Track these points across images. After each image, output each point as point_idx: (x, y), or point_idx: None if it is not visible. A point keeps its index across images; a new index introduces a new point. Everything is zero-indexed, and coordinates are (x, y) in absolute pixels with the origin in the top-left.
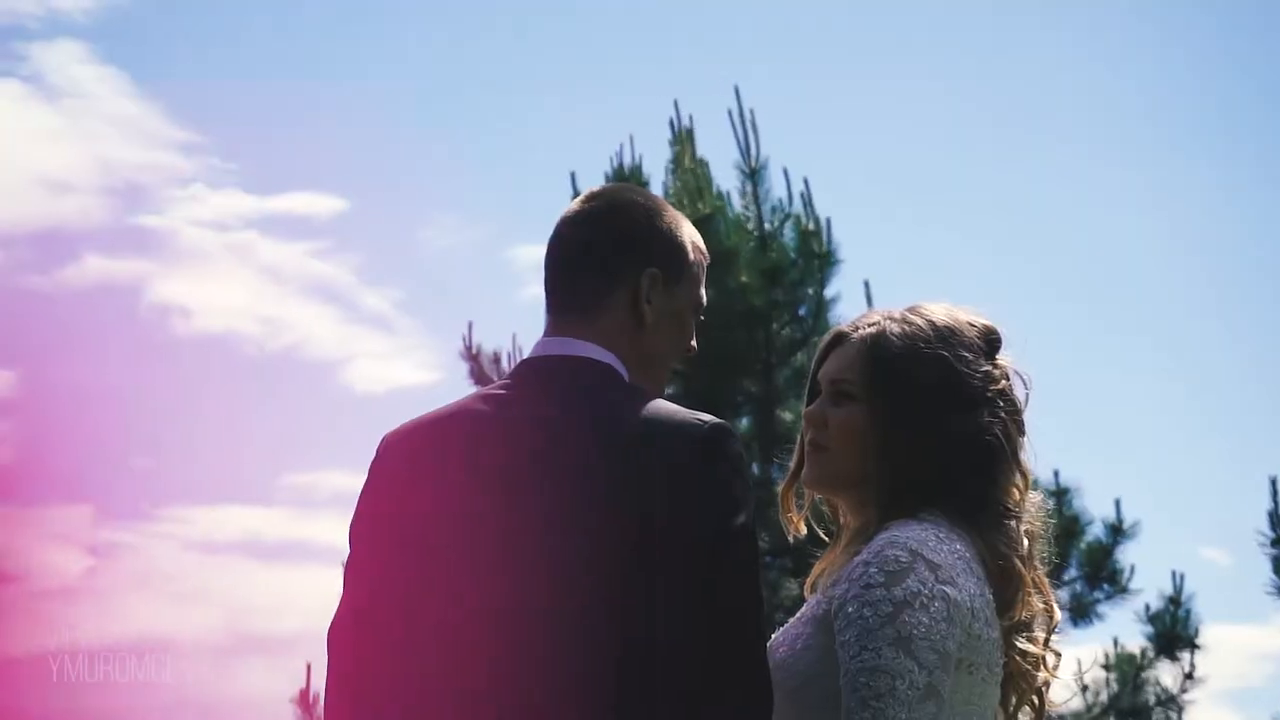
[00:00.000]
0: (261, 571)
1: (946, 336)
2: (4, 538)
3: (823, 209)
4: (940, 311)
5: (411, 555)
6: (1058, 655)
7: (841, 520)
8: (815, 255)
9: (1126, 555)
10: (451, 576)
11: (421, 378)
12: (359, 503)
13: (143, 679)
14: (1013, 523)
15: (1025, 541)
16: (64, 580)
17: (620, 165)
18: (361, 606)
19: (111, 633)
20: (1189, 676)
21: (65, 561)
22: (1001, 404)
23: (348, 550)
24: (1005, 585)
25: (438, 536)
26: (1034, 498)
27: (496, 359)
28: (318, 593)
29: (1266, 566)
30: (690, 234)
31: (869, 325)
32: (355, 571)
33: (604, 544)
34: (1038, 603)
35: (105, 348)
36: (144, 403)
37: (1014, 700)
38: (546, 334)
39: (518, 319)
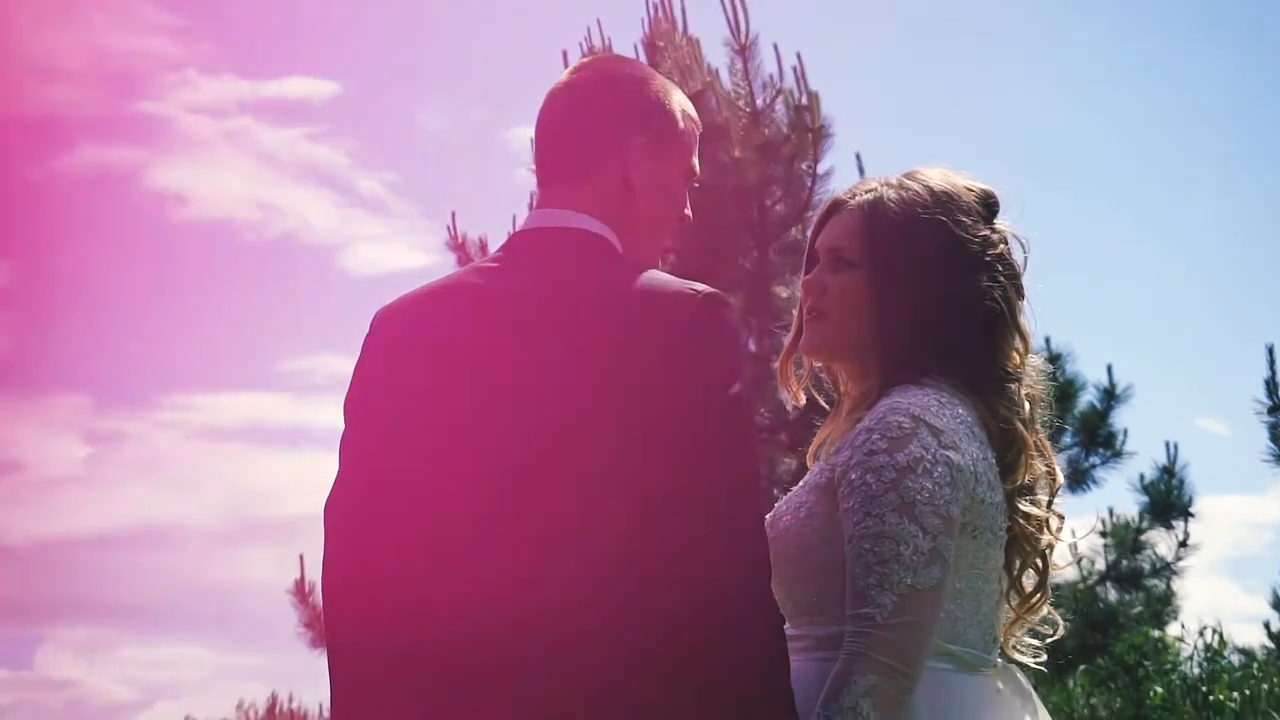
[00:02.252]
0: (263, 457)
1: (944, 201)
2: (4, 427)
3: (814, 84)
4: (937, 177)
5: (407, 429)
6: (1060, 518)
7: (842, 388)
8: (808, 130)
9: (1120, 419)
10: (447, 450)
11: (419, 260)
12: (353, 378)
13: (145, 565)
14: (1014, 386)
15: (1026, 405)
16: (65, 469)
17: (594, 46)
18: (357, 482)
19: (113, 520)
20: (1184, 544)
21: (66, 450)
22: (1000, 268)
23: (343, 427)
24: (1007, 449)
25: (432, 409)
26: (1034, 361)
27: (484, 246)
28: (319, 477)
29: (1264, 435)
30: (680, 101)
31: (866, 192)
32: (351, 447)
33: (597, 414)
34: (1040, 466)
35: (103, 237)
36: (142, 291)
37: (1018, 563)
38: (538, 206)
39: (514, 201)
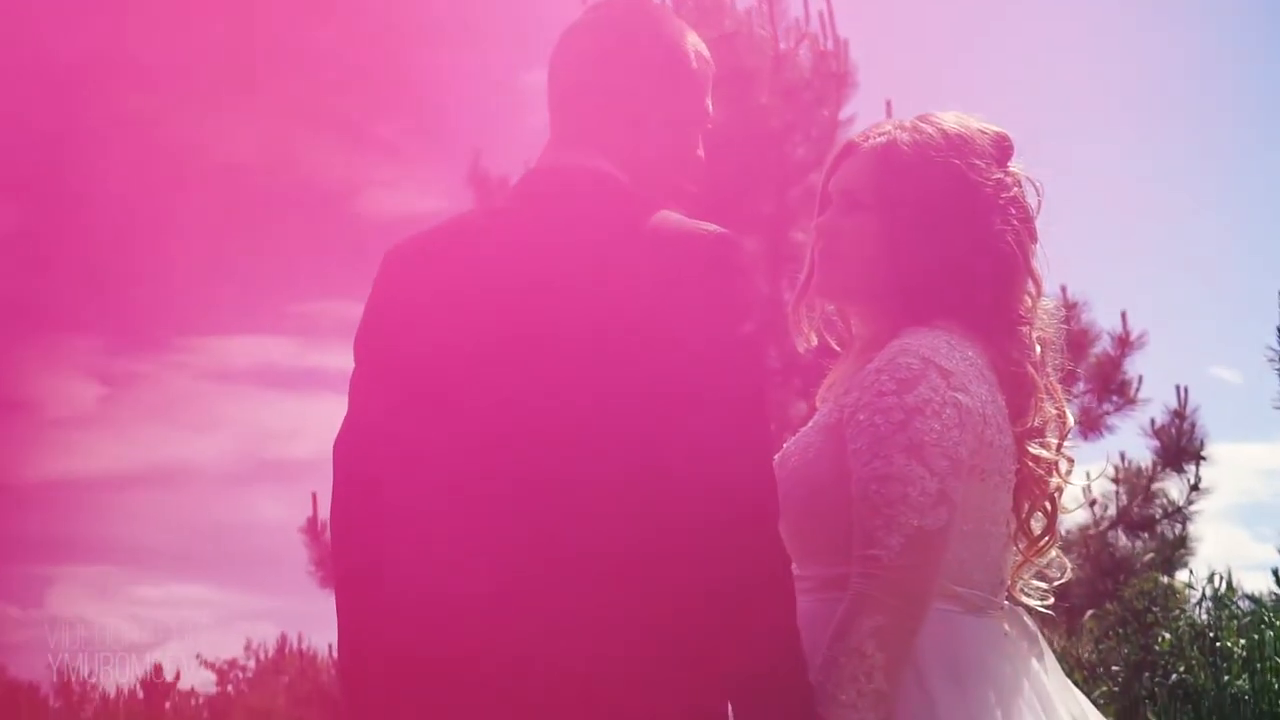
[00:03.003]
0: (274, 399)
1: (958, 144)
2: (16, 367)
3: (844, 31)
4: (951, 120)
5: (417, 368)
6: (1070, 461)
7: (853, 331)
8: (831, 75)
9: (1134, 367)
10: (456, 388)
11: (430, 205)
12: (363, 317)
13: (157, 505)
14: (1024, 329)
15: (1037, 348)
16: (78, 409)
17: None
18: (367, 420)
19: (126, 460)
20: (1195, 489)
21: (78, 391)
22: (1013, 211)
23: (353, 366)
24: (1017, 392)
25: (442, 348)
26: (1045, 305)
27: (504, 185)
28: (330, 419)
29: (1275, 382)
30: (694, 44)
31: (879, 135)
32: (360, 386)
33: (607, 353)
34: (1050, 409)
35: (116, 179)
36: (155, 234)
37: (1026, 506)
38: (550, 146)
39: (528, 145)
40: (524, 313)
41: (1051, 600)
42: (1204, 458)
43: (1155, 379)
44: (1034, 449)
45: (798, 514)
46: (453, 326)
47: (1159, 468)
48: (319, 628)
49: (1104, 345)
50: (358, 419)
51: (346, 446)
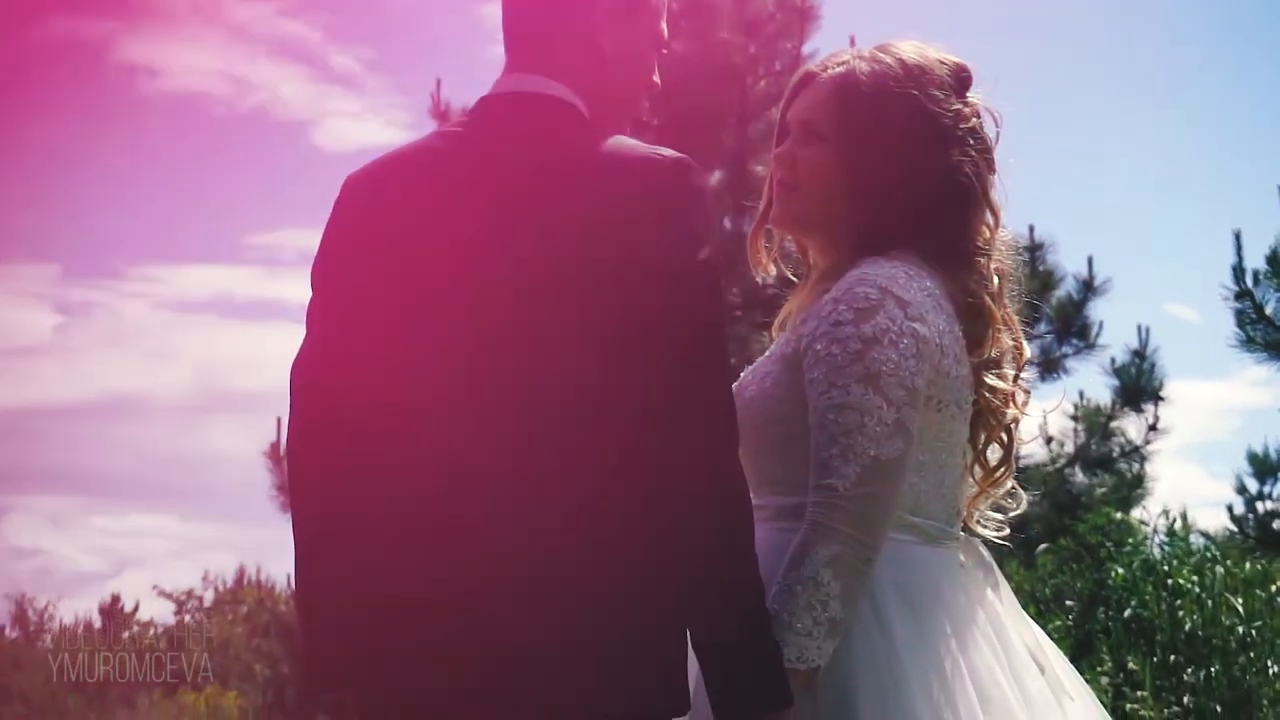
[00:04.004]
0: (232, 330)
1: (916, 75)
2: None
3: None
4: (910, 50)
5: (374, 293)
6: (1027, 393)
7: (811, 261)
8: (795, 10)
9: (1096, 311)
10: (414, 312)
11: (392, 136)
12: (321, 243)
13: (114, 435)
14: (982, 260)
15: (995, 280)
16: (34, 338)
17: None
18: (324, 345)
19: (83, 390)
20: (1153, 428)
21: (34, 320)
22: (972, 142)
23: (310, 294)
24: (974, 322)
25: (399, 274)
26: (1003, 236)
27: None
28: (288, 351)
29: (1231, 321)
30: None
31: (838, 65)
32: (318, 312)
33: (564, 278)
34: (1007, 340)
35: (72, 108)
36: (112, 163)
37: (983, 437)
38: (505, 72)
39: (489, 76)
40: (480, 239)
41: (1007, 532)
42: (1162, 398)
43: (1113, 315)
44: (991, 380)
45: (755, 443)
46: (409, 252)
47: (1118, 406)
48: (277, 558)
49: (1068, 288)
50: (315, 343)
51: (303, 371)
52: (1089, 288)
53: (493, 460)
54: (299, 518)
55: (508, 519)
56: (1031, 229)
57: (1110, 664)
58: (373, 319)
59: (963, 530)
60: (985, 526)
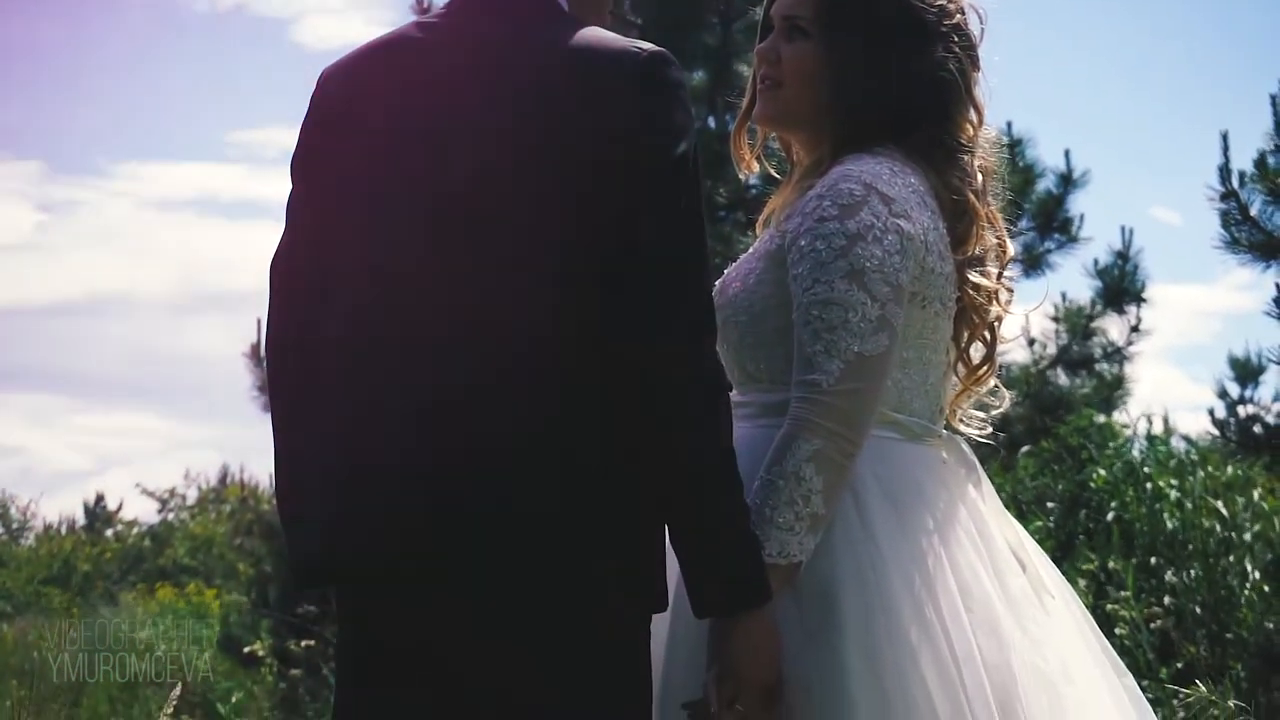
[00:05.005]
0: (214, 228)
1: None
2: None
3: None
4: None
5: (352, 184)
6: (1010, 291)
7: (794, 158)
8: None
9: (1077, 205)
10: (392, 202)
11: (374, 34)
12: (299, 137)
13: (98, 333)
14: (966, 158)
15: (979, 176)
16: (16, 236)
17: None
18: (303, 237)
19: (65, 288)
20: (1135, 330)
21: (17, 217)
22: (956, 38)
23: (290, 188)
24: (958, 220)
25: (377, 163)
26: (987, 133)
27: None
28: (270, 250)
29: (1216, 223)
30: None
31: None
32: (297, 205)
33: (541, 170)
34: (990, 237)
35: (55, 5)
36: (93, 58)
37: (966, 335)
38: None
39: None
40: (456, 128)
41: (990, 430)
42: (1145, 299)
43: (1096, 220)
44: (974, 277)
45: (737, 340)
46: (387, 143)
47: (1099, 308)
48: (260, 457)
49: (1047, 183)
50: (295, 237)
51: (283, 263)
52: (1068, 181)
53: (466, 344)
54: (277, 408)
55: (484, 399)
56: (1010, 125)
57: (1091, 565)
58: (349, 211)
59: (946, 428)
60: (968, 425)
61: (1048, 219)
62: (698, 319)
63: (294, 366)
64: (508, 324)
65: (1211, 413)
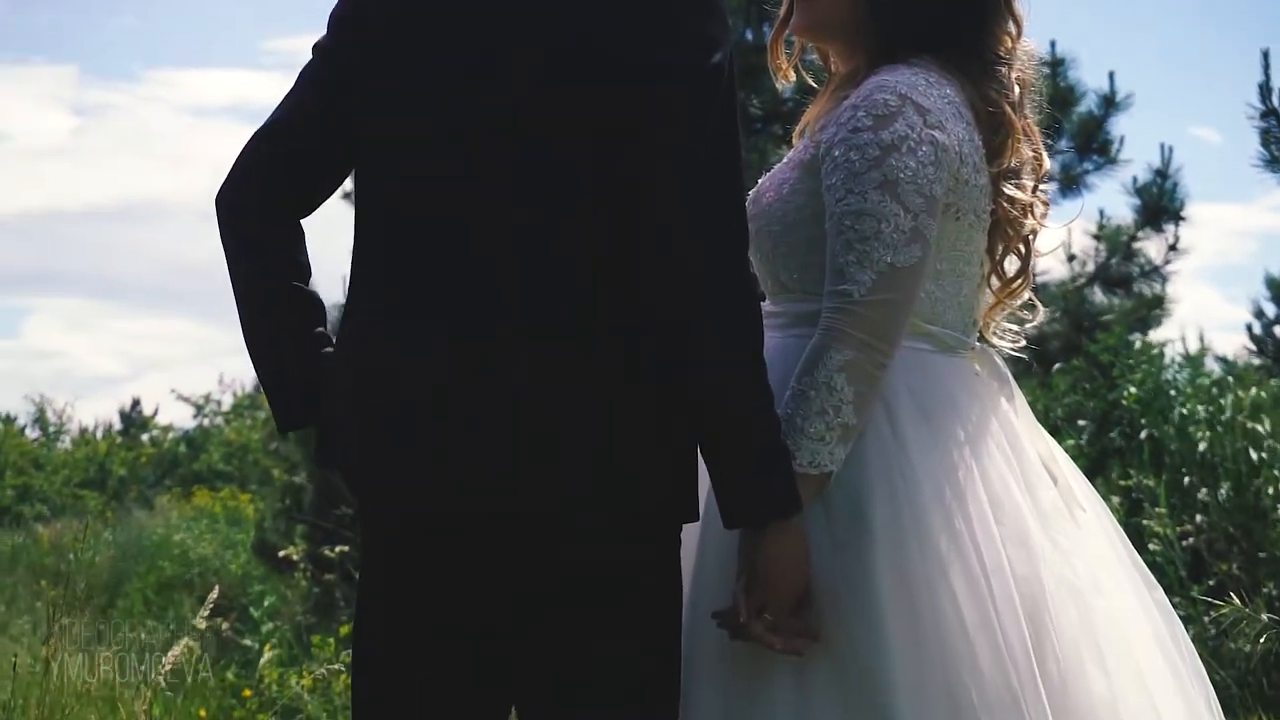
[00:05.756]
0: (249, 135)
1: None
2: None
3: None
4: None
5: (387, 77)
6: (1046, 204)
7: (831, 68)
8: None
9: (1118, 128)
10: (423, 101)
11: None
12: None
13: (134, 239)
14: (1003, 69)
15: (1016, 89)
16: (51, 140)
17: None
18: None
19: (101, 194)
20: (1173, 249)
21: (52, 121)
22: None
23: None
24: (994, 132)
25: (412, 58)
26: (1025, 45)
27: None
28: None
29: (1255, 142)
30: None
31: None
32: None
33: (575, 81)
34: (1026, 150)
35: None
36: None
37: (1001, 248)
38: None
39: None
40: (489, 26)
41: (1023, 343)
42: (1184, 218)
43: (1135, 137)
44: (1010, 190)
45: (770, 249)
46: (418, 37)
47: (1139, 226)
48: None
49: (1089, 104)
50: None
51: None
52: (1110, 104)
53: (492, 253)
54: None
55: (507, 317)
56: (1053, 44)
57: (1128, 482)
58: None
59: (979, 341)
60: (1001, 338)
61: (1087, 140)
62: (732, 230)
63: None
64: (541, 236)
65: (1250, 329)
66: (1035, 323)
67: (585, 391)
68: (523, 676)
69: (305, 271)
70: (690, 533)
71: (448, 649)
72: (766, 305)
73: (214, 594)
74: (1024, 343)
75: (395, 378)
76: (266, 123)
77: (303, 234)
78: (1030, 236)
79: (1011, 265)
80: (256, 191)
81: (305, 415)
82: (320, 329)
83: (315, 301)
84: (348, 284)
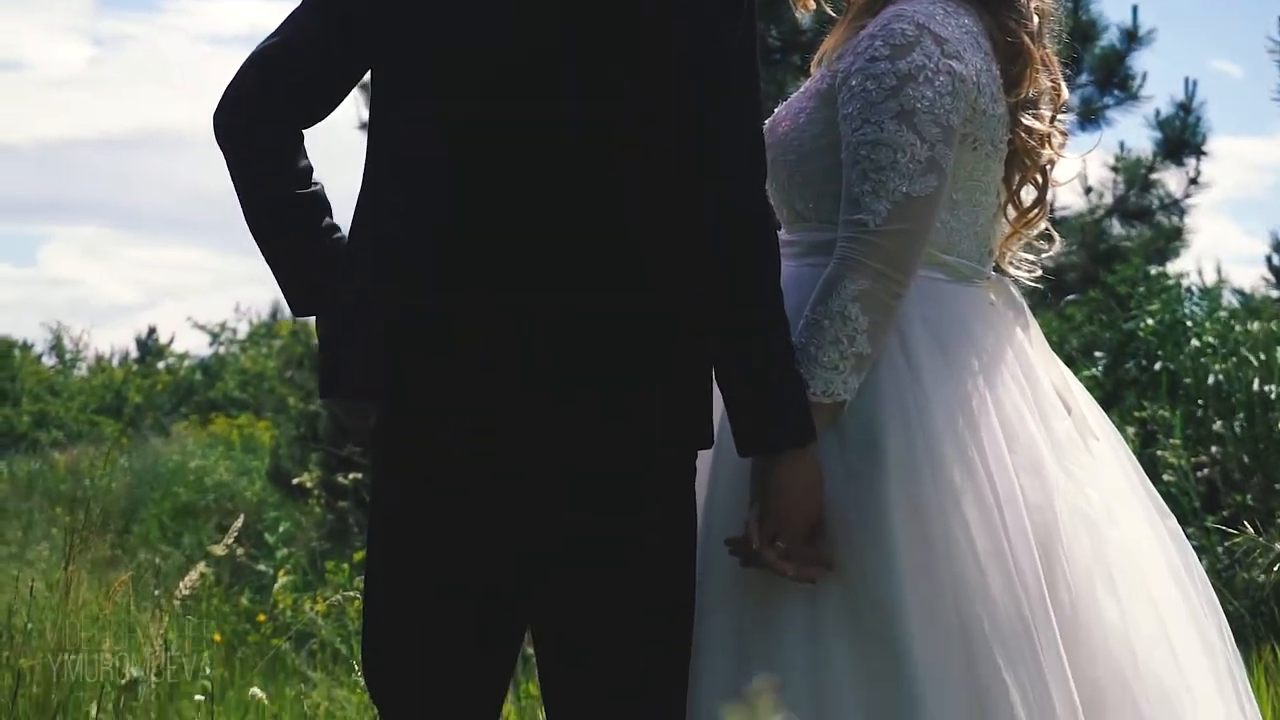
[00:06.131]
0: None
1: None
2: (6, 25)
3: None
4: None
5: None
6: (1063, 134)
7: None
8: None
9: (1139, 63)
10: (451, 35)
11: None
12: None
13: (150, 168)
14: None
15: (1034, 19)
16: (68, 70)
17: None
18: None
19: (118, 123)
20: (1194, 182)
21: (69, 51)
22: None
23: None
24: (1012, 62)
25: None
26: None
27: None
28: None
29: (1276, 76)
30: None
31: None
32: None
33: (594, 13)
34: (1044, 80)
35: None
36: None
37: (1017, 178)
38: None
39: None
40: None
41: (1039, 273)
42: (1205, 152)
43: (1155, 70)
44: (1027, 120)
45: (786, 178)
46: None
47: (1159, 159)
48: None
49: (1111, 39)
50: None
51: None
52: (1132, 38)
53: (515, 174)
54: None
55: (530, 237)
56: None
57: (1143, 414)
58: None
59: (995, 271)
60: (1018, 268)
61: (1108, 74)
62: (749, 158)
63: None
64: (566, 161)
65: (1269, 260)
66: (1051, 253)
67: (605, 314)
68: (540, 601)
69: (307, 175)
70: (703, 459)
71: (466, 555)
72: (782, 234)
73: (239, 521)
74: (1040, 273)
75: (409, 295)
76: (264, 44)
77: (302, 140)
78: (1047, 167)
79: (1028, 195)
80: (253, 109)
81: (317, 303)
82: (328, 220)
83: (319, 199)
84: (358, 204)
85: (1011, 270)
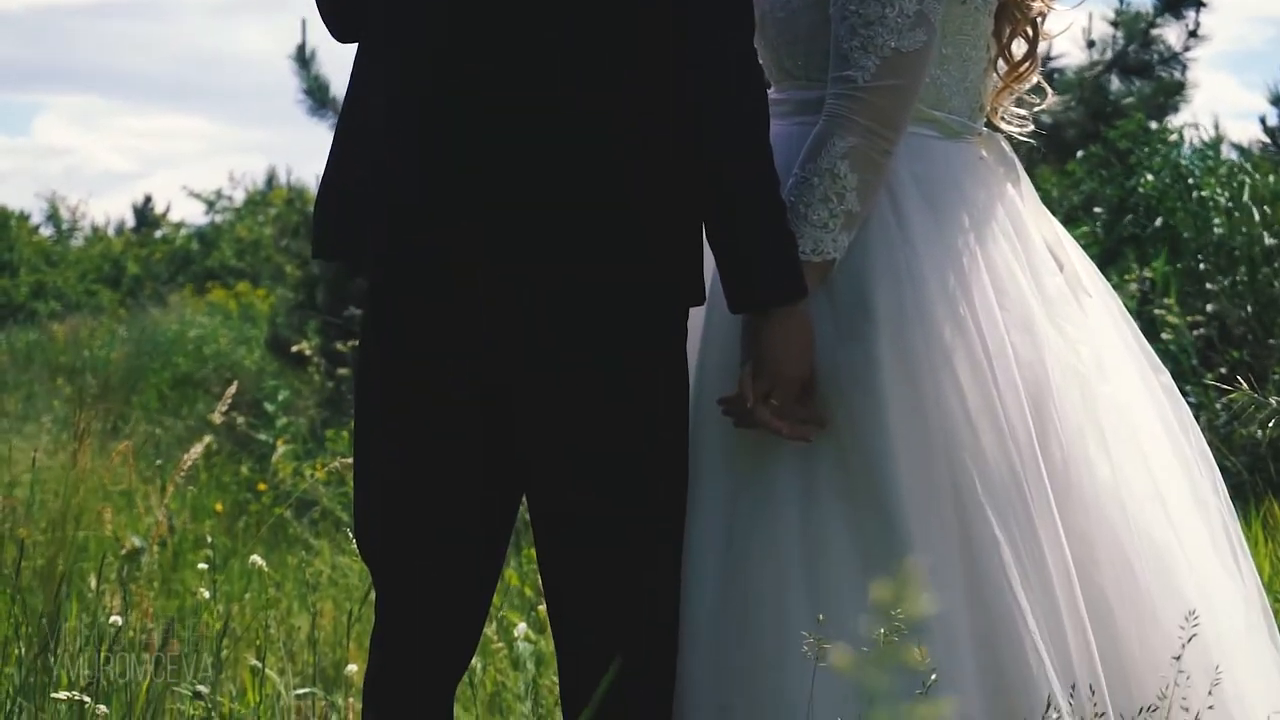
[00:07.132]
0: None
1: None
2: None
3: None
4: None
5: None
6: None
7: None
8: None
9: None
10: None
11: None
12: None
13: (144, 35)
14: None
15: None
16: None
17: None
18: None
19: None
20: (1193, 34)
21: None
22: None
23: None
24: None
25: None
26: None
27: None
28: None
29: None
30: None
31: None
32: None
33: None
34: None
35: None
36: None
37: (1008, 31)
38: None
39: None
40: None
41: (1031, 128)
42: (1204, 4)
43: None
44: None
45: (775, 35)
46: None
47: (1158, 12)
48: (307, 159)
49: None
50: None
51: None
52: None
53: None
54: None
55: (522, 97)
56: None
57: (1139, 274)
58: None
59: (986, 126)
60: (1009, 123)
61: None
62: (735, 14)
63: None
64: (580, 14)
65: (1263, 120)
66: (1043, 107)
67: (606, 160)
68: (528, 448)
69: None
70: (694, 317)
71: (452, 415)
72: (771, 92)
73: (232, 389)
74: (1033, 128)
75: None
76: None
77: None
78: (1038, 19)
79: (1019, 49)
80: None
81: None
82: None
83: None
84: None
85: (1003, 125)
